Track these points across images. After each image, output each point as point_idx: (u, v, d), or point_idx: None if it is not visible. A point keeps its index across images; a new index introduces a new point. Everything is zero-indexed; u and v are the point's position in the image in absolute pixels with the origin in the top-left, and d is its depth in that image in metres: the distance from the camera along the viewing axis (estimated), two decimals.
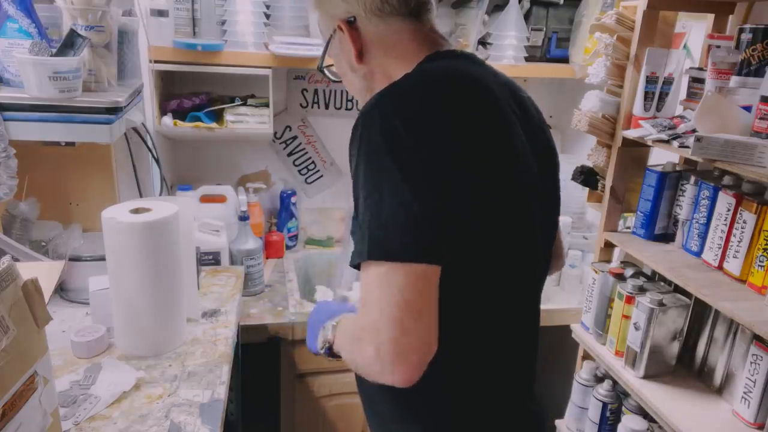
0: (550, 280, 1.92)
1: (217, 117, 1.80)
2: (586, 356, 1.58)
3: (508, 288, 0.85)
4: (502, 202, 0.79)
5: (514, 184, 0.81)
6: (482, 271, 0.79)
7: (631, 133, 1.37)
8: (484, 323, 0.83)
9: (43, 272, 1.15)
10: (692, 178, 1.32)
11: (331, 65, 1.00)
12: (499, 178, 0.78)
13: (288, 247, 2.10)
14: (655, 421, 1.31)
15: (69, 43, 1.18)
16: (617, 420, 1.45)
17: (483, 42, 1.93)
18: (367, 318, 0.72)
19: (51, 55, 1.17)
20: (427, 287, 0.71)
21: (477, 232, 0.76)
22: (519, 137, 0.82)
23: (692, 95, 1.36)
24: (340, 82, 1.00)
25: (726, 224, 1.20)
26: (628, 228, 1.54)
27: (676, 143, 1.24)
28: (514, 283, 0.86)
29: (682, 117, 1.34)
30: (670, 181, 1.37)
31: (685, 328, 1.37)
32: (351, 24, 0.88)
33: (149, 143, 1.70)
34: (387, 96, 0.77)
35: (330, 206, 2.19)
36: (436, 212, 0.71)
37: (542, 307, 0.96)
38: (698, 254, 1.29)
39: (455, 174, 0.73)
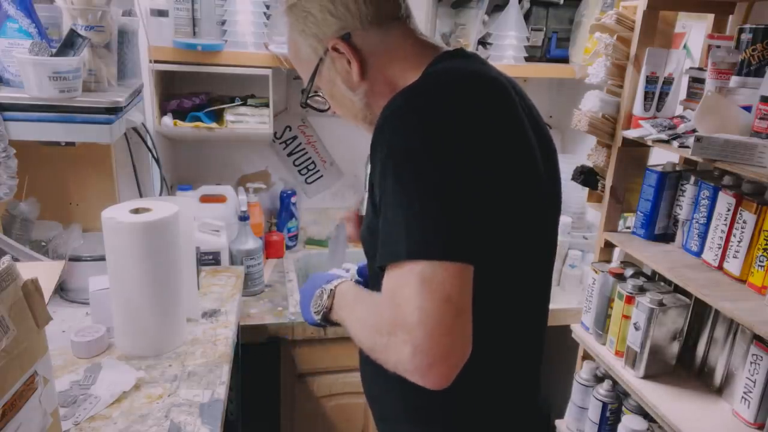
0: None
1: (217, 117, 1.79)
2: (586, 356, 1.58)
3: (523, 288, 0.86)
4: (524, 205, 0.79)
5: (533, 186, 0.81)
6: (501, 272, 0.79)
7: (631, 133, 1.37)
8: (498, 323, 0.83)
9: (43, 272, 1.15)
10: (692, 178, 1.32)
11: (316, 94, 0.96)
12: (522, 181, 0.78)
13: (288, 247, 2.10)
14: (655, 421, 1.31)
15: (69, 43, 1.18)
16: (617, 420, 1.45)
17: (483, 42, 1.93)
18: (400, 316, 0.68)
19: (51, 55, 1.17)
20: (466, 286, 0.69)
21: (501, 234, 0.76)
22: (532, 138, 0.82)
23: (692, 95, 1.36)
24: (328, 109, 0.96)
25: (726, 224, 1.20)
26: (628, 228, 1.54)
27: (676, 143, 1.24)
28: (528, 283, 0.87)
29: (682, 117, 1.34)
30: (670, 181, 1.37)
31: (685, 328, 1.37)
32: (347, 40, 0.84)
33: (149, 143, 1.70)
34: (414, 96, 0.75)
35: (330, 206, 2.19)
36: (471, 213, 0.70)
37: None
38: (698, 254, 1.29)
39: (485, 176, 0.72)
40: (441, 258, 0.67)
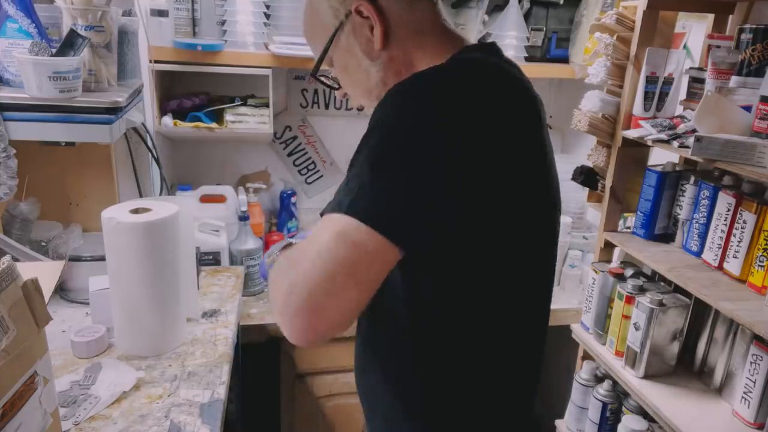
0: None
1: (217, 117, 1.79)
2: (586, 356, 1.58)
3: (522, 293, 0.84)
4: (532, 210, 0.78)
5: (544, 190, 0.79)
6: (498, 277, 0.78)
7: (631, 133, 1.37)
8: (495, 327, 0.82)
9: (43, 272, 1.15)
10: (692, 178, 1.32)
11: (324, 75, 0.92)
12: (530, 184, 0.76)
13: None
14: (655, 421, 1.31)
15: (69, 43, 1.18)
16: (617, 420, 1.45)
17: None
18: (302, 253, 0.67)
19: (51, 55, 1.17)
20: (378, 266, 0.66)
21: (500, 239, 0.74)
22: (548, 142, 0.80)
23: (692, 95, 1.36)
24: (338, 89, 0.92)
25: (726, 224, 1.20)
26: (628, 228, 1.54)
27: (676, 143, 1.24)
28: (527, 288, 0.85)
29: (682, 117, 1.34)
30: (670, 181, 1.37)
31: (685, 328, 1.37)
32: (373, 3, 0.79)
33: (149, 143, 1.70)
34: (424, 80, 0.71)
35: None
36: (432, 203, 0.67)
37: None
38: (698, 254, 1.29)
39: (476, 173, 0.69)
40: (372, 225, 0.64)
